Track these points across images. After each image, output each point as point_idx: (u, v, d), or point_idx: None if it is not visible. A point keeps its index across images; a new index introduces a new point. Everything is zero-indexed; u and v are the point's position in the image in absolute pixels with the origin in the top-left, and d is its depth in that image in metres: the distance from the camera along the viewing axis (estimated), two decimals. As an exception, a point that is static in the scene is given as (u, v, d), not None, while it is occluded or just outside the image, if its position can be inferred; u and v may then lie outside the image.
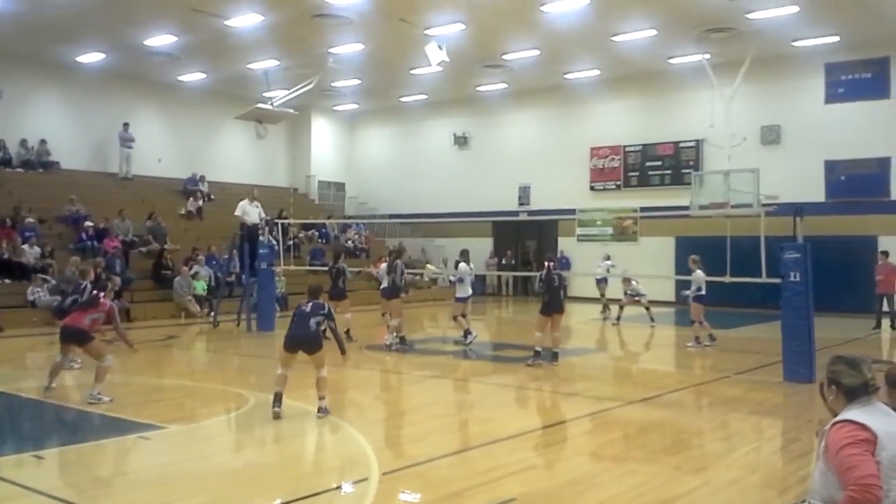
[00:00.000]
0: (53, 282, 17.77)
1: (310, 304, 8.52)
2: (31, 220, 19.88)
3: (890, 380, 4.10)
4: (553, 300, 12.34)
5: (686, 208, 14.48)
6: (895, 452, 3.37)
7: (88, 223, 20.73)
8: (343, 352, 8.66)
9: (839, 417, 3.55)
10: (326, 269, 15.91)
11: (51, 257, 18.83)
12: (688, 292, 14.62)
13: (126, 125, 25.08)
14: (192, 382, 10.74)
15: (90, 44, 21.77)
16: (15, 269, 17.93)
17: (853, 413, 3.51)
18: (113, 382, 9.38)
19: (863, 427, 3.41)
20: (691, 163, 24.06)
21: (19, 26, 19.77)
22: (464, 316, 14.75)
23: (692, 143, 24.29)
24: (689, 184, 15.90)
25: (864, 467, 3.30)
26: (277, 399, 8.27)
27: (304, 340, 8.36)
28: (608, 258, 20.88)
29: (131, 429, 7.85)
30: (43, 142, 23.60)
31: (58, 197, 21.80)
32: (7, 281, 17.69)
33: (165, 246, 21.29)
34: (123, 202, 22.80)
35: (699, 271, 14.20)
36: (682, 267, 22.39)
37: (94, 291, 9.84)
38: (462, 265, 14.80)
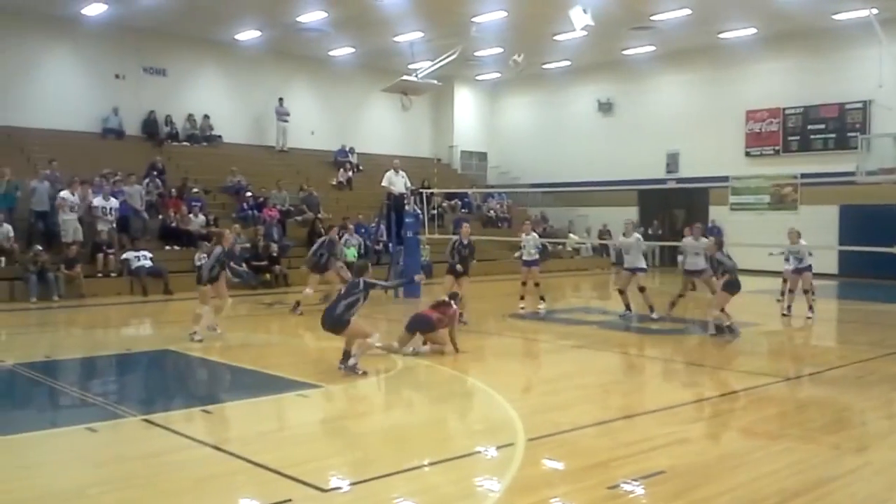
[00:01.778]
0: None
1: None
2: (196, 190, 21.24)
3: None
4: (737, 280, 11.79)
5: (852, 174, 13.59)
6: None
7: (248, 193, 21.94)
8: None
9: None
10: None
11: (215, 225, 20.05)
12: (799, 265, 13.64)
13: (281, 100, 26.25)
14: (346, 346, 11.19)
15: (247, 22, 22.88)
16: (182, 236, 19.26)
17: None
18: (272, 343, 9.93)
19: None
20: (857, 125, 22.42)
21: (182, 8, 21.06)
22: (642, 290, 13.78)
23: (859, 105, 22.62)
24: (856, 148, 14.91)
25: None
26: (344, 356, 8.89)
27: (328, 323, 8.91)
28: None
29: (290, 387, 8.30)
30: (206, 117, 25.11)
31: (220, 169, 23.17)
32: (176, 248, 19.01)
33: (318, 215, 22.20)
34: (280, 173, 23.94)
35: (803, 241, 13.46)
36: (846, 237, 21.05)
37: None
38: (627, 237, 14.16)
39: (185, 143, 24.45)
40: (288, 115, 26.47)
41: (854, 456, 6.15)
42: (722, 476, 5.61)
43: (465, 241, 13.51)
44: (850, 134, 22.22)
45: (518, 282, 15.45)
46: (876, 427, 7.31)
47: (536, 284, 15.07)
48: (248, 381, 8.96)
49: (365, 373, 8.80)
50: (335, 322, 8.90)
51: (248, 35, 24.11)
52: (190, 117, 24.84)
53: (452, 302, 10.35)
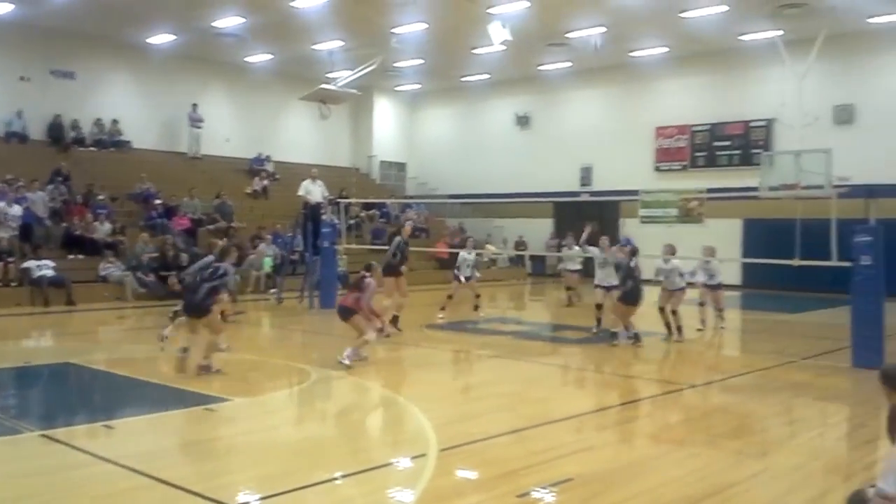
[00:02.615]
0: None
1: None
2: (102, 197, 20.51)
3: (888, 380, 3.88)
4: (637, 290, 12.15)
5: (755, 189, 14.07)
6: None
7: (158, 201, 21.32)
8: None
9: None
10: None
11: (121, 234, 19.43)
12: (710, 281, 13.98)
13: (195, 106, 25.67)
14: (257, 357, 10.98)
15: (161, 25, 22.30)
16: (87, 244, 18.56)
17: None
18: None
19: None
20: (761, 143, 23.43)
21: (92, 8, 20.38)
22: (674, 312, 13.26)
23: (762, 123, 23.64)
24: (759, 164, 15.44)
25: None
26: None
27: (191, 308, 9.27)
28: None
29: (198, 401, 8.07)
30: (115, 122, 24.32)
31: (129, 175, 22.46)
32: (80, 256, 18.32)
33: (232, 224, 21.75)
34: (192, 181, 23.36)
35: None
36: (749, 250, 21.90)
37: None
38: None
39: (91, 149, 23.60)
40: (202, 121, 25.90)
41: (755, 461, 6.37)
42: (628, 482, 5.73)
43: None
44: (753, 151, 23.11)
45: (439, 292, 15.65)
46: (776, 433, 7.60)
47: (477, 296, 16.05)
48: (154, 395, 8.68)
49: (219, 370, 8.79)
50: (197, 308, 9.00)
51: (161, 39, 23.50)
52: (98, 122, 24.01)
53: (367, 274, 10.23)
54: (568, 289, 18.61)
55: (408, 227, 14.72)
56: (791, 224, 11.95)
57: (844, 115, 22.19)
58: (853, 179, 14.11)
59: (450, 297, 15.45)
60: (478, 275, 16.69)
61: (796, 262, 11.81)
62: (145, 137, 25.00)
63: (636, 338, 12.12)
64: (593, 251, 14.72)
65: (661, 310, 13.05)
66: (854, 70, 22.09)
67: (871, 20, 20.18)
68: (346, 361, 9.62)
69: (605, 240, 14.10)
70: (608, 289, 13.47)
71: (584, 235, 15.92)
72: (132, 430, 7.27)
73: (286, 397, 8.70)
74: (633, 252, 12.46)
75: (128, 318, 15.83)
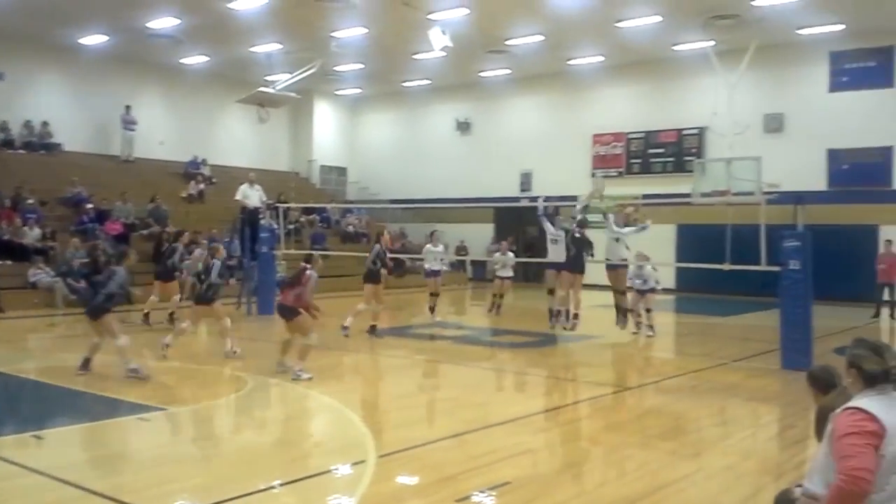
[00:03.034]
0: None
1: None
2: (31, 201, 19.87)
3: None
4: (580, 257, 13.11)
5: (688, 196, 14.42)
6: None
7: (89, 205, 20.74)
8: None
9: (851, 403, 3.44)
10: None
11: (51, 239, 18.85)
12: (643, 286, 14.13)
13: (128, 108, 25.09)
14: (193, 365, 10.77)
15: (93, 26, 21.73)
16: (16, 250, 17.96)
17: (866, 402, 3.40)
18: (113, 364, 9.42)
19: (872, 418, 3.30)
20: (694, 150, 24.01)
21: (22, 7, 19.74)
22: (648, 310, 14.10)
23: (695, 131, 24.22)
24: (692, 171, 15.83)
25: (861, 459, 3.22)
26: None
27: (89, 310, 9.52)
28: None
29: (131, 410, 7.88)
30: (45, 123, 23.60)
31: (59, 179, 21.81)
32: (8, 262, 17.71)
33: (166, 229, 21.27)
34: (125, 185, 22.79)
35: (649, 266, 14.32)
36: (683, 255, 22.42)
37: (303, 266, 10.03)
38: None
39: (20, 151, 22.85)
40: (135, 123, 25.31)
41: (689, 461, 6.52)
42: (565, 484, 5.81)
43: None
44: (686, 158, 23.66)
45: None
46: (709, 434, 7.79)
47: (435, 295, 16.45)
48: (86, 404, 8.43)
49: (148, 377, 8.90)
50: (95, 309, 9.21)
51: (93, 39, 22.88)
52: (27, 123, 23.27)
53: (307, 266, 9.92)
54: (494, 295, 18.41)
55: (387, 236, 14.72)
56: (723, 229, 12.27)
57: (774, 124, 22.91)
58: (782, 186, 14.57)
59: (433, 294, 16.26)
60: (445, 268, 17.04)
61: (727, 267, 12.12)
62: (76, 140, 24.32)
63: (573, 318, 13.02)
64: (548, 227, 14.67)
65: (631, 310, 13.85)
66: (783, 80, 22.83)
67: (799, 31, 20.89)
68: (305, 376, 9.24)
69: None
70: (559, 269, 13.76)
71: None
72: (63, 440, 7.06)
73: (222, 405, 8.56)
74: (581, 223, 13.31)
75: (58, 325, 15.37)
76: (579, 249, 13.20)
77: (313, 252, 10.65)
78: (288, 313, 9.63)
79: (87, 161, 23.94)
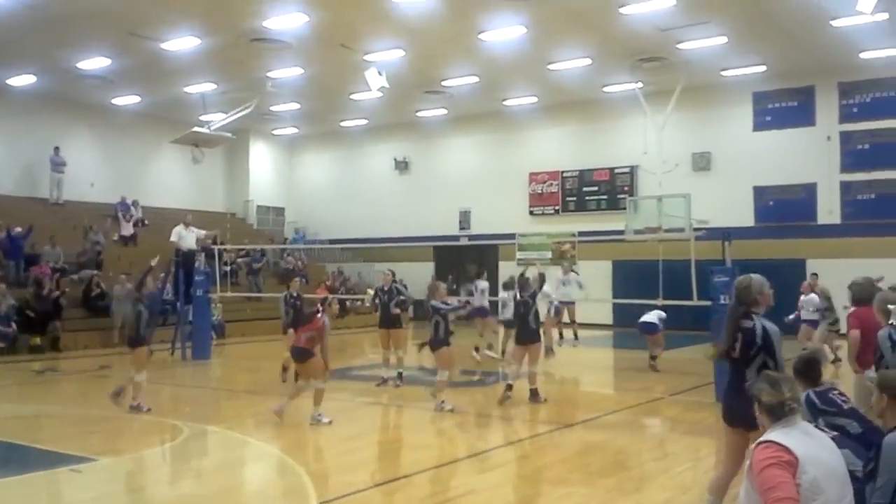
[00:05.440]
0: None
1: None
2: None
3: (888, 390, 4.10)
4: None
5: (621, 232, 14.78)
6: (815, 475, 3.46)
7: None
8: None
9: (763, 437, 3.64)
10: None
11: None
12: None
13: (57, 149, 24.48)
14: (126, 413, 10.45)
15: (20, 66, 21.24)
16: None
17: (776, 434, 3.60)
18: (43, 414, 9.09)
19: (785, 449, 3.49)
20: (626, 188, 24.58)
21: (-55, 47, 19.21)
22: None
23: (627, 169, 24.82)
24: (624, 209, 16.23)
25: (785, 488, 3.39)
26: None
27: None
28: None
29: (62, 461, 7.59)
30: (-31, 165, 22.86)
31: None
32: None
33: (97, 272, 20.72)
34: (54, 228, 22.16)
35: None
36: (618, 290, 22.81)
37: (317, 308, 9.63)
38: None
39: (-57, 194, 22.08)
40: (64, 165, 24.70)
41: (627, 497, 6.59)
42: (509, 526, 5.79)
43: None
44: (619, 196, 24.21)
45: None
46: (649, 468, 7.89)
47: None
48: (14, 456, 8.09)
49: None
50: None
51: (21, 80, 22.36)
52: (-51, 165, 22.55)
53: (320, 310, 9.56)
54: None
55: (296, 283, 13.76)
56: (655, 265, 12.58)
57: (702, 162, 23.63)
58: (711, 223, 15.05)
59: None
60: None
61: (660, 302, 12.42)
62: (3, 182, 23.60)
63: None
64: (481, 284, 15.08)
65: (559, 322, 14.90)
66: (709, 120, 23.62)
67: (723, 73, 21.70)
68: (325, 420, 9.18)
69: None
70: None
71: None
72: (-14, 497, 6.76)
73: (157, 455, 8.32)
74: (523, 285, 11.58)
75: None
76: (525, 314, 11.28)
77: (327, 297, 10.23)
78: (300, 355, 9.41)
79: (13, 204, 23.18)
